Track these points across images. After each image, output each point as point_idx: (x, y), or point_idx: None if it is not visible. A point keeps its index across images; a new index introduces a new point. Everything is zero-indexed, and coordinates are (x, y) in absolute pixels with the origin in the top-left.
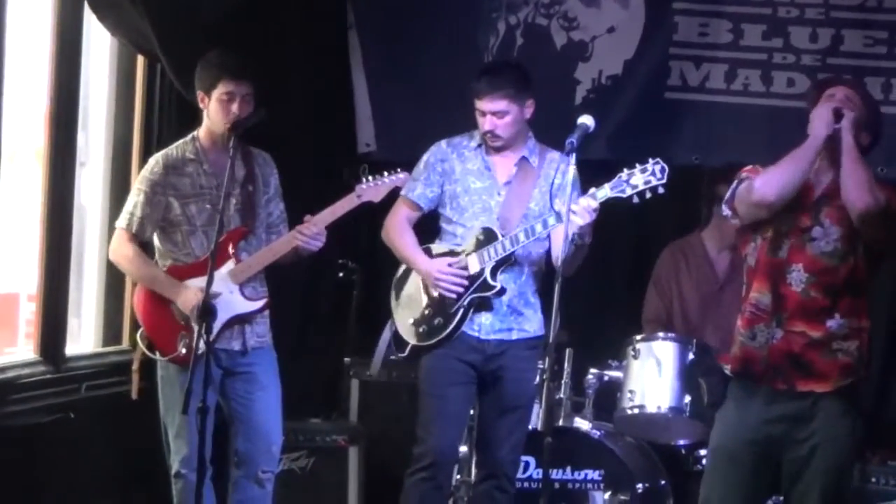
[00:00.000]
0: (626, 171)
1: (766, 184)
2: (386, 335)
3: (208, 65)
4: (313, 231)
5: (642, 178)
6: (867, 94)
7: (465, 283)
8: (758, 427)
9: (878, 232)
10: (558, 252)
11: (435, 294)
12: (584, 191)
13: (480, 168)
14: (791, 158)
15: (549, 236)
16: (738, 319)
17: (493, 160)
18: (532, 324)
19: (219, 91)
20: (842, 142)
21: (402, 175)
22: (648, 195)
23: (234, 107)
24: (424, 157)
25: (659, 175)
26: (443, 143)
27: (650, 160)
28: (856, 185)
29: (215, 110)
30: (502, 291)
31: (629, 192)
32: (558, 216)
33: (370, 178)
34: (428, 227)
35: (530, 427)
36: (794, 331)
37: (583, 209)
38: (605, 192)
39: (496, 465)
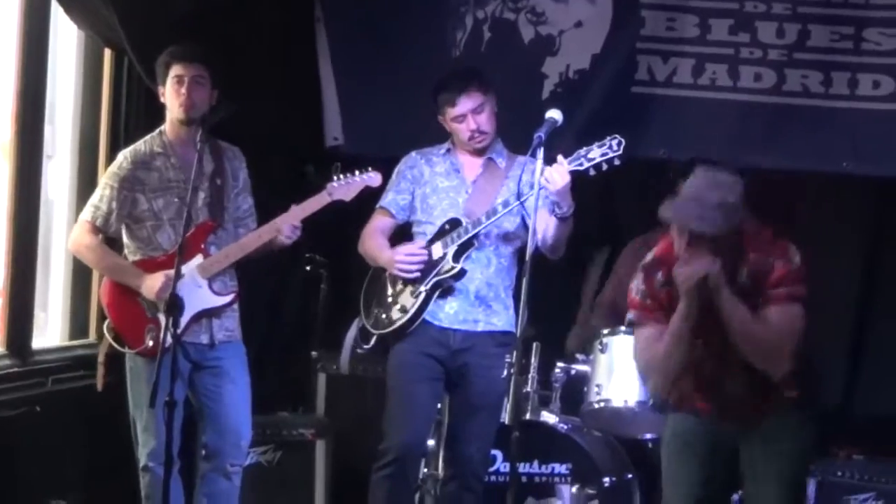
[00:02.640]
0: (584, 147)
1: (652, 383)
2: (352, 331)
3: (161, 58)
4: (294, 226)
5: (599, 151)
6: (722, 204)
7: (422, 262)
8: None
9: None
10: (544, 240)
11: (399, 282)
12: None
13: (448, 169)
14: (668, 343)
15: (527, 230)
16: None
17: (461, 161)
18: (500, 318)
19: (170, 76)
20: (722, 311)
21: (373, 174)
22: (605, 167)
23: (184, 89)
24: (396, 168)
25: (615, 148)
26: (413, 152)
27: (608, 137)
28: (766, 363)
29: (169, 96)
30: (461, 273)
31: (586, 164)
32: (519, 195)
33: (341, 176)
34: (407, 239)
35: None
36: (742, 404)
37: (553, 172)
38: (564, 166)
39: (464, 462)
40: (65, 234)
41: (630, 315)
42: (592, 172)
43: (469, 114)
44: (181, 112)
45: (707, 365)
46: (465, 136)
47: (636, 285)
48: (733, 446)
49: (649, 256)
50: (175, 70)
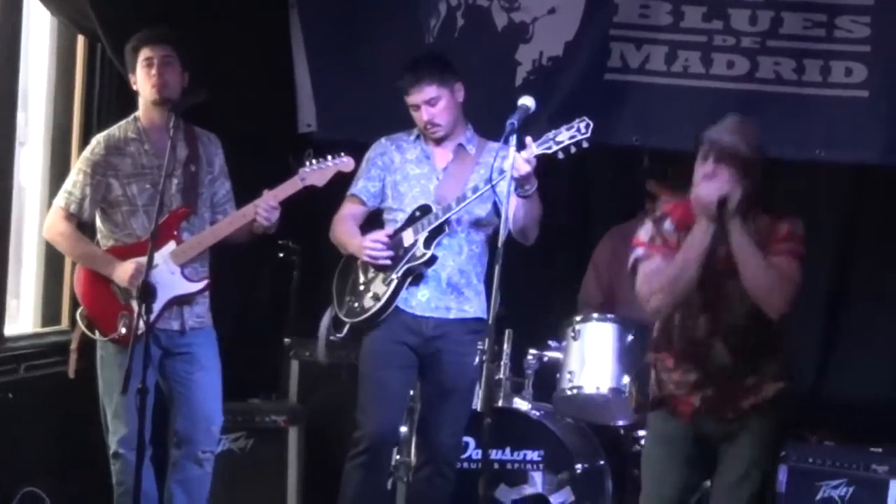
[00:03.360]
0: (553, 130)
1: (655, 296)
2: (326, 320)
3: (128, 45)
4: (271, 205)
5: (567, 134)
6: (751, 143)
7: (389, 248)
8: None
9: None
10: (513, 222)
11: (371, 270)
12: None
13: (419, 156)
14: (677, 265)
15: (499, 217)
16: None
17: (432, 149)
18: (472, 305)
19: (139, 60)
20: (732, 238)
21: (345, 159)
22: (573, 150)
23: (154, 70)
24: (366, 154)
25: (583, 130)
26: (383, 139)
27: (576, 118)
28: (765, 296)
29: (141, 80)
30: (432, 260)
31: (554, 147)
32: (488, 180)
33: (314, 161)
34: (379, 226)
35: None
36: (722, 388)
37: (519, 160)
38: (532, 149)
39: (436, 449)
40: (37, 221)
41: (636, 252)
42: (561, 156)
43: (422, 105)
44: (154, 93)
45: (701, 322)
46: (421, 126)
47: (644, 230)
48: (714, 443)
49: (658, 211)
50: (144, 53)
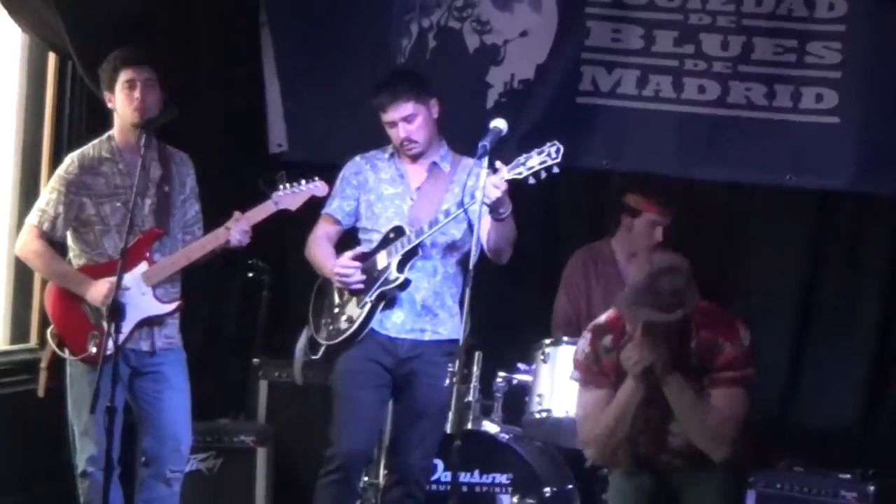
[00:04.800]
0: (524, 154)
1: (591, 451)
2: (302, 340)
3: (107, 63)
4: (244, 229)
5: (538, 159)
6: (675, 298)
7: (359, 272)
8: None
9: None
10: (487, 243)
11: (346, 293)
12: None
13: (393, 175)
14: (609, 424)
15: (470, 240)
16: None
17: (406, 168)
18: (446, 327)
19: (120, 81)
20: (668, 398)
21: (318, 184)
22: (544, 175)
23: (137, 92)
24: (340, 173)
25: (554, 155)
26: (357, 157)
27: (547, 143)
28: (708, 445)
29: (121, 102)
30: (406, 283)
31: (525, 172)
32: (460, 204)
33: (287, 185)
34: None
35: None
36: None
37: (489, 185)
38: (503, 174)
39: (407, 470)
40: (6, 239)
41: (573, 374)
42: (532, 181)
43: (399, 122)
44: (135, 116)
45: (643, 440)
46: (397, 143)
47: (582, 346)
48: (676, 491)
49: (602, 318)
50: (125, 74)
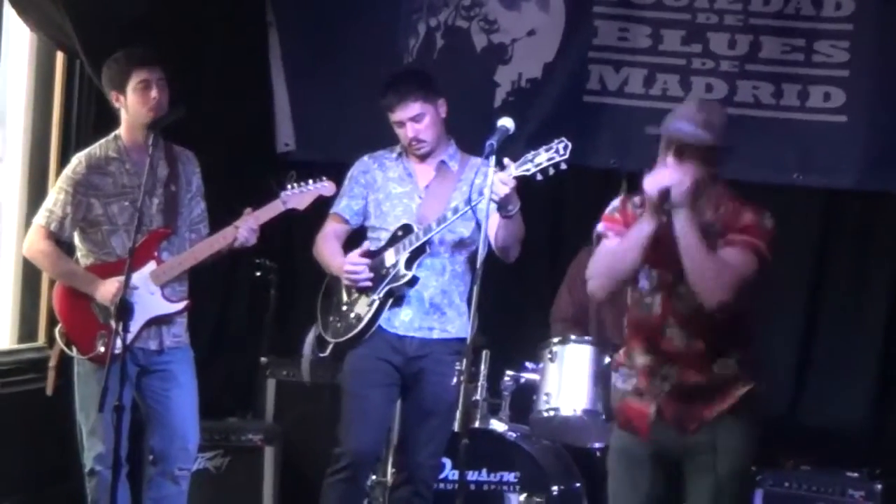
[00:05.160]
0: (531, 151)
1: (594, 280)
2: (310, 338)
3: (116, 63)
4: (252, 227)
5: (546, 155)
6: (714, 128)
7: (371, 270)
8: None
9: (738, 306)
10: (495, 240)
11: (354, 291)
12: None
13: (402, 175)
14: (616, 254)
15: (479, 237)
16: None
17: (414, 167)
18: (454, 325)
19: (133, 82)
20: (675, 226)
21: (326, 183)
22: (552, 172)
23: (153, 92)
24: (349, 172)
25: (562, 151)
26: (365, 157)
27: (555, 139)
28: (703, 284)
29: (134, 102)
30: (414, 281)
31: (533, 169)
32: (467, 201)
33: (296, 184)
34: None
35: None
36: (682, 382)
37: (497, 182)
38: (511, 171)
39: (416, 469)
40: (14, 238)
41: (598, 227)
42: (540, 177)
43: (407, 122)
44: (150, 115)
45: (655, 307)
46: (405, 143)
47: (611, 205)
48: (677, 459)
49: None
50: (140, 74)
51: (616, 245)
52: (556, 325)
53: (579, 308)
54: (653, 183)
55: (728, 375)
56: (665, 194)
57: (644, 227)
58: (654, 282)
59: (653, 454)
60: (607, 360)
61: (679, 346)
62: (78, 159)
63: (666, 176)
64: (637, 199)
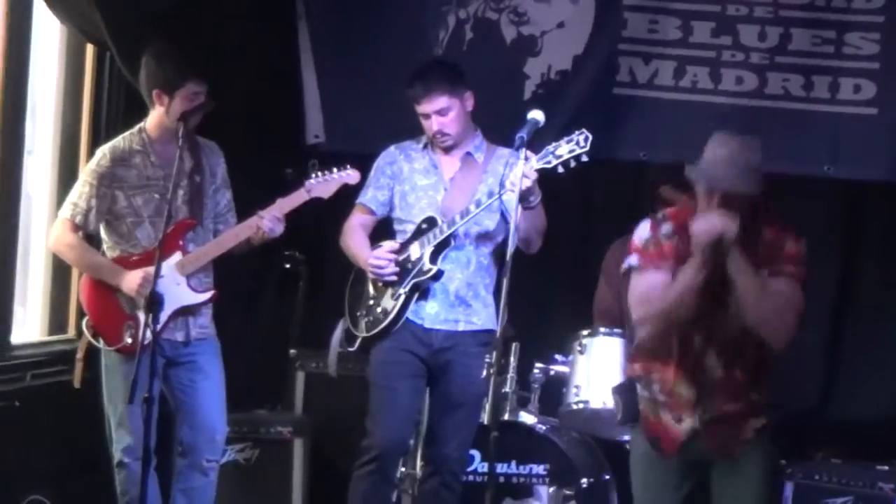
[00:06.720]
0: (553, 143)
1: (642, 314)
2: (338, 332)
3: (167, 62)
4: (276, 216)
5: (567, 147)
6: (753, 172)
7: (393, 265)
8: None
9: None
10: (519, 232)
11: (380, 284)
12: None
13: (427, 166)
14: (669, 295)
15: (507, 226)
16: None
17: (440, 158)
18: (480, 317)
19: (187, 90)
20: (731, 271)
21: (351, 172)
22: (573, 164)
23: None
24: (375, 163)
25: (582, 143)
26: (392, 147)
27: (576, 131)
28: (767, 328)
29: (179, 108)
30: (439, 275)
31: (554, 162)
32: (490, 194)
33: (319, 173)
34: (389, 233)
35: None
36: (722, 411)
37: (518, 174)
38: (532, 163)
39: (443, 461)
40: (44, 230)
41: (630, 260)
42: (561, 170)
43: (433, 115)
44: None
45: (695, 337)
46: (430, 135)
47: (640, 233)
48: (705, 465)
49: (659, 213)
50: (193, 87)
51: (665, 286)
52: (597, 319)
53: (618, 299)
54: (704, 231)
55: (763, 400)
56: (717, 241)
57: (696, 275)
58: (695, 311)
59: (681, 463)
60: None
61: (716, 377)
62: (102, 152)
63: (717, 224)
64: (666, 227)
